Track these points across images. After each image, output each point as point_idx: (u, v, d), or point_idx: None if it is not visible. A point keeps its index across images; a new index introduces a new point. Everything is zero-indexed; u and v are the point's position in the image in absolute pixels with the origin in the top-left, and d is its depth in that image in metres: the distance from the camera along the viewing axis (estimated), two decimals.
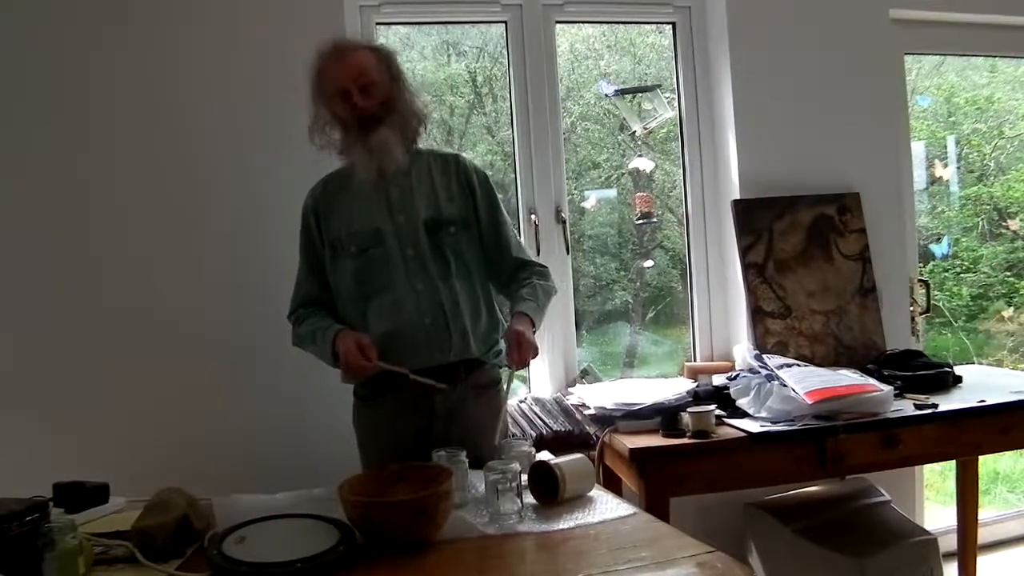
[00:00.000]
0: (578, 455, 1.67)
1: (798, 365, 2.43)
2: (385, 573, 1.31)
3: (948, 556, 2.61)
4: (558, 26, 2.81)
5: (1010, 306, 3.91)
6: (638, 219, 3.00)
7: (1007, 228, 4.00)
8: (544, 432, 2.36)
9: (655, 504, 2.00)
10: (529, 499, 1.59)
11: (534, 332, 1.86)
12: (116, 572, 1.35)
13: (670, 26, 2.92)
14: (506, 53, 2.77)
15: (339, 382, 1.95)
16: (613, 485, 2.17)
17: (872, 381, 2.29)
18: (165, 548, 1.38)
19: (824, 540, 2.29)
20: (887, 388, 2.22)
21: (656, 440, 2.12)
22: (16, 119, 2.25)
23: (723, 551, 1.30)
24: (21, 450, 2.12)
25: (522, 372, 2.71)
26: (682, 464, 2.09)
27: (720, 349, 2.87)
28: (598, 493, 1.65)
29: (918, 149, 3.58)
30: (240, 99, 2.36)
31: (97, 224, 2.31)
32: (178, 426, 2.27)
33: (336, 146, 1.91)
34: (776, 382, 2.27)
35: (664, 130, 3.07)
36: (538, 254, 2.67)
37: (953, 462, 2.75)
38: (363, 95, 1.84)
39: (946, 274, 3.95)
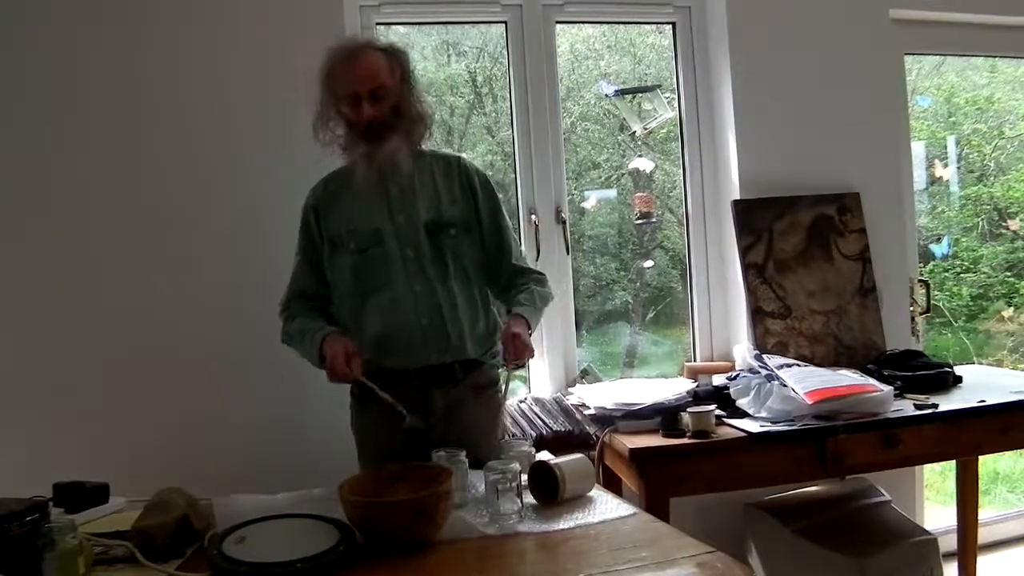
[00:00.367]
0: (578, 455, 1.67)
1: (798, 365, 2.43)
2: (385, 573, 1.31)
3: (948, 556, 2.61)
4: (558, 26, 2.81)
5: (1010, 306, 3.91)
6: (638, 219, 3.00)
7: (1007, 228, 4.00)
8: (544, 432, 2.36)
9: (655, 504, 2.00)
10: (529, 499, 1.59)
11: (530, 334, 1.86)
12: (116, 572, 1.35)
13: (670, 26, 2.91)
14: (506, 53, 2.77)
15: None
16: (613, 485, 2.17)
17: (872, 381, 2.29)
18: (165, 548, 1.38)
19: (824, 540, 2.29)
20: (887, 388, 2.23)
21: (656, 440, 2.12)
22: (16, 119, 2.25)
23: (723, 551, 1.30)
24: (21, 450, 2.12)
25: (522, 372, 2.71)
26: (682, 464, 2.09)
27: (720, 349, 2.87)
28: (598, 493, 1.65)
29: (918, 149, 3.58)
30: (240, 99, 2.36)
31: (97, 224, 2.31)
32: (178, 426, 2.27)
33: (340, 143, 1.91)
34: (776, 382, 2.27)
35: (664, 130, 3.07)
36: (538, 254, 2.67)
37: (953, 462, 2.75)
38: (372, 101, 1.83)
39: (946, 274, 3.95)
